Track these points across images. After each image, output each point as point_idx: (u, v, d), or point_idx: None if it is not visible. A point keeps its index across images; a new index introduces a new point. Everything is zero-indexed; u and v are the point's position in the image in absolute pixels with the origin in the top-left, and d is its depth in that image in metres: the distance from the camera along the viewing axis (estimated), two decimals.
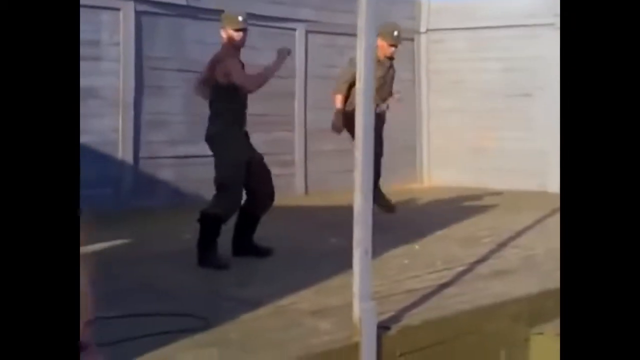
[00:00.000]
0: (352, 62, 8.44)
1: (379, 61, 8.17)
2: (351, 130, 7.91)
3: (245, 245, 6.54)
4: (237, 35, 6.56)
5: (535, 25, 11.63)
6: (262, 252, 6.56)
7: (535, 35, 11.66)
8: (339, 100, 8.15)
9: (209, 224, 6.24)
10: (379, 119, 8.13)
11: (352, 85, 8.03)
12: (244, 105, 6.53)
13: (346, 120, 7.96)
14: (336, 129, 8.20)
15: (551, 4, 11.64)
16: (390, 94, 8.43)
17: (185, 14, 9.84)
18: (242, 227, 6.55)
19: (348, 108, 7.90)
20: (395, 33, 8.21)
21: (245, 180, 6.38)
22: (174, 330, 4.28)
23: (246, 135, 6.55)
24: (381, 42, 8.15)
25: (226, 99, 6.39)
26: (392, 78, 8.44)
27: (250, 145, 6.55)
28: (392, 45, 8.21)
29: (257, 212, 6.59)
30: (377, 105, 7.97)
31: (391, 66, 8.39)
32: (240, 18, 6.62)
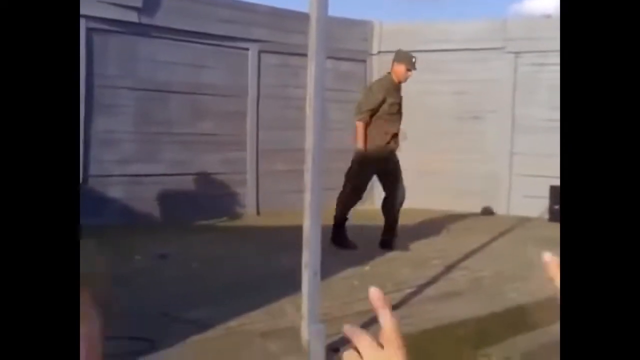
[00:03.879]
0: (373, 88, 8.48)
1: (396, 86, 8.22)
2: (368, 169, 7.97)
3: None
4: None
5: (485, 49, 11.81)
6: None
7: (485, 58, 11.84)
8: (361, 128, 8.10)
9: None
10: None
11: (374, 112, 8.06)
12: None
13: (363, 159, 8.02)
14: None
15: (501, 28, 11.86)
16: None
17: (137, 31, 9.78)
18: None
19: (369, 142, 8.03)
20: (414, 59, 8.26)
21: None
22: (122, 353, 4.24)
23: None
24: (399, 67, 8.20)
25: None
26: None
27: None
28: (408, 71, 8.24)
29: None
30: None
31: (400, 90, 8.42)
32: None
